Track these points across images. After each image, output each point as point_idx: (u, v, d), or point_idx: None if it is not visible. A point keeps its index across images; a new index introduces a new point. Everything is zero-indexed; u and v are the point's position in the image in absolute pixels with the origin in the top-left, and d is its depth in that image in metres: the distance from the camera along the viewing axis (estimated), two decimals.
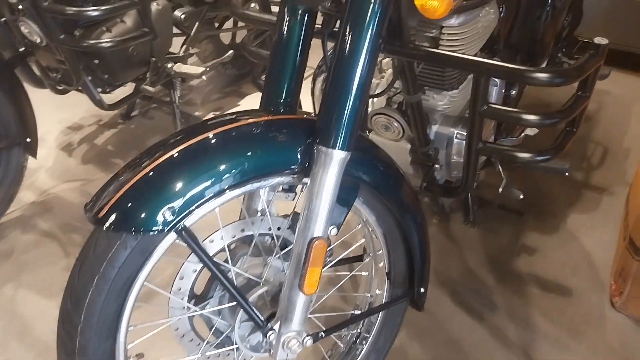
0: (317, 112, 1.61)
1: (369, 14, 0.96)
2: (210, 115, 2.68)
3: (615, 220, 2.02)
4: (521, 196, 1.60)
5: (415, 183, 1.64)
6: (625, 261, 1.65)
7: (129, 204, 0.92)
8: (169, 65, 2.20)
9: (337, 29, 1.05)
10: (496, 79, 1.62)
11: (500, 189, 1.61)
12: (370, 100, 1.55)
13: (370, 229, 1.25)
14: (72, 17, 1.74)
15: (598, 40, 1.18)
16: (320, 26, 1.17)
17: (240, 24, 2.85)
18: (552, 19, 1.73)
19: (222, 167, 0.96)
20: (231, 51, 2.50)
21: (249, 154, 0.99)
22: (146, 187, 0.94)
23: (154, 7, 2.13)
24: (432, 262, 1.28)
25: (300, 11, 1.11)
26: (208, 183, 0.94)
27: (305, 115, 1.13)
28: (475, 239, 1.97)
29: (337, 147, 0.99)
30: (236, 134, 1.02)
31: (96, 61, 1.97)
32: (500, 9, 1.54)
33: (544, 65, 1.90)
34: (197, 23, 2.36)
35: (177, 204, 0.92)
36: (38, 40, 1.88)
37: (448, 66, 1.25)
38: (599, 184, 2.24)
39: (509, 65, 1.11)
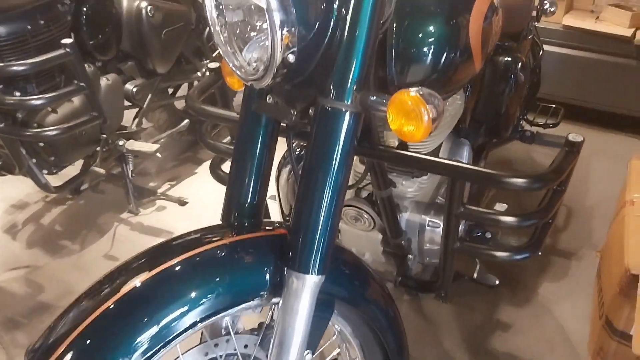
0: (282, 208, 1.53)
1: (342, 127, 0.90)
2: (166, 187, 2.57)
3: (585, 288, 2.00)
4: (497, 282, 1.54)
5: (388, 269, 1.57)
6: (603, 340, 1.61)
7: (83, 351, 0.82)
8: (121, 143, 2.09)
9: (305, 130, 0.99)
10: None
11: (475, 274, 1.55)
12: None
13: (345, 340, 1.16)
14: (13, 107, 1.61)
15: (572, 137, 1.15)
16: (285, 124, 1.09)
17: None
18: (515, 92, 1.71)
19: (187, 304, 0.88)
20: (187, 120, 2.42)
21: (216, 286, 0.91)
22: (101, 332, 0.84)
23: (103, 82, 2.03)
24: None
25: (265, 115, 1.04)
26: (173, 323, 0.86)
27: (273, 230, 1.05)
28: (449, 316, 1.90)
29: (310, 272, 0.91)
30: (200, 261, 0.94)
31: (41, 144, 1.85)
32: (466, 90, 1.51)
33: (508, 134, 1.88)
34: (149, 95, 2.26)
35: (139, 349, 0.83)
36: None
37: (422, 170, 1.19)
38: (566, 248, 2.22)
39: (485, 171, 1.06)
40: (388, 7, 0.94)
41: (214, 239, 0.98)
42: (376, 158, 1.15)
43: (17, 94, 1.75)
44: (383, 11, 0.91)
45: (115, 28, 2.07)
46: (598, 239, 2.25)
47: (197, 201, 2.46)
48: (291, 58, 0.87)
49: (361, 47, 0.88)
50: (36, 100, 1.59)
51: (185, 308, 0.87)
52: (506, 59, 1.67)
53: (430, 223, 1.45)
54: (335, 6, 0.89)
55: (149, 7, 2.09)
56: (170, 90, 2.69)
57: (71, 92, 1.65)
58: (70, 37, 1.94)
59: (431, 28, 1.08)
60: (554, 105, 2.25)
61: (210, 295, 0.89)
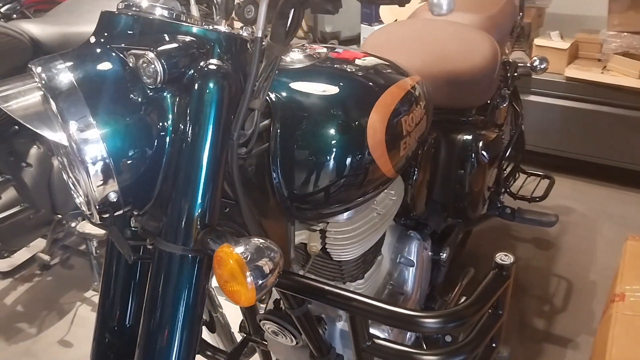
0: None
1: (181, 272, 0.75)
2: None
3: None
4: None
5: None
6: None
7: None
8: (73, 224, 1.99)
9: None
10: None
11: None
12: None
13: None
14: None
15: (501, 258, 0.96)
16: None
17: None
18: (477, 171, 1.53)
19: None
20: None
21: None
22: None
23: (56, 162, 1.94)
24: None
25: None
26: None
27: None
28: None
29: None
30: None
31: None
32: (413, 175, 1.34)
33: (478, 215, 1.68)
34: None
35: None
36: None
37: (313, 298, 1.00)
38: (562, 332, 1.97)
39: (388, 308, 0.88)
40: (250, 125, 0.80)
41: None
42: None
43: None
44: (231, 131, 0.76)
45: None
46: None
47: None
48: (113, 197, 0.73)
49: (202, 178, 0.74)
50: None
51: None
52: (465, 137, 1.49)
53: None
54: (169, 129, 0.75)
55: None
56: None
57: None
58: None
59: (319, 132, 0.91)
60: (541, 174, 2.03)
61: None
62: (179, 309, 0.75)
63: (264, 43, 0.78)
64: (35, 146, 1.87)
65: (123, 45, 0.76)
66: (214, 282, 1.30)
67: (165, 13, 0.78)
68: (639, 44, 2.66)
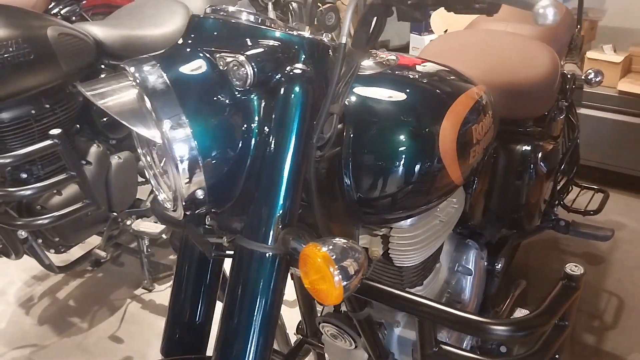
0: None
1: (263, 270, 0.77)
2: None
3: None
4: None
5: None
6: None
7: None
8: (129, 222, 2.04)
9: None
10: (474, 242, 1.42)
11: None
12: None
13: None
14: (2, 199, 1.60)
15: (571, 269, 0.95)
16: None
17: None
18: (535, 183, 1.52)
19: None
20: None
21: None
22: None
23: (114, 160, 2.01)
24: None
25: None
26: None
27: None
28: None
29: None
30: None
31: None
32: (472, 185, 1.34)
33: (533, 226, 1.66)
34: None
35: None
36: None
37: (381, 302, 1.02)
38: (613, 350, 1.93)
39: (457, 314, 0.89)
40: (329, 129, 0.81)
41: None
42: None
43: (24, 175, 1.75)
44: (312, 134, 0.78)
45: None
46: None
47: None
48: (200, 194, 0.76)
49: (285, 179, 0.76)
50: (24, 191, 1.56)
51: None
52: (524, 148, 1.48)
53: None
54: (255, 130, 0.77)
55: None
56: None
57: (61, 181, 1.62)
58: (82, 118, 1.95)
59: (392, 138, 0.93)
60: (595, 187, 2.00)
61: None
62: (259, 305, 0.77)
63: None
64: (95, 145, 1.93)
65: (211, 48, 0.79)
66: None
67: (251, 18, 0.81)
68: None
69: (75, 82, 1.88)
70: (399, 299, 0.94)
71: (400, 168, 0.93)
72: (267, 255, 0.77)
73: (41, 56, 1.68)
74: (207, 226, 0.94)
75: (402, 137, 0.92)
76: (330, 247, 0.68)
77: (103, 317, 2.19)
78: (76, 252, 2.16)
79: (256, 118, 0.77)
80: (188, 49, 0.79)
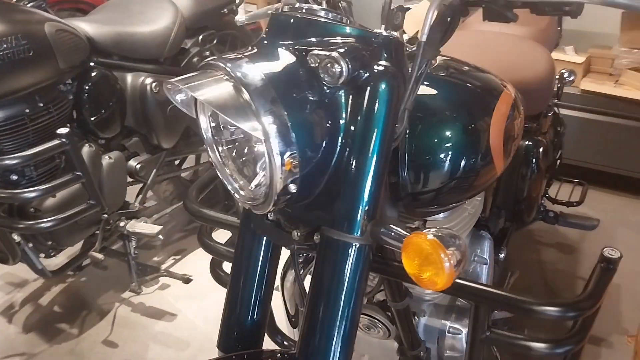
0: (289, 311, 1.42)
1: (350, 260, 0.80)
2: (171, 262, 2.46)
3: None
4: None
5: None
6: None
7: None
8: (122, 224, 2.00)
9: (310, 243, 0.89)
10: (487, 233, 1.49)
11: None
12: None
13: None
14: (4, 200, 1.53)
15: (608, 253, 1.03)
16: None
17: (203, 160, 2.70)
18: (536, 176, 1.61)
19: None
20: None
21: None
22: None
23: (105, 161, 1.96)
24: None
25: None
26: None
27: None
28: None
29: None
30: None
31: None
32: None
33: (531, 219, 1.76)
34: (154, 170, 2.18)
35: None
36: None
37: (444, 292, 1.07)
38: (595, 333, 2.06)
39: (512, 297, 0.94)
40: (401, 124, 0.85)
41: None
42: (391, 276, 1.04)
43: (14, 177, 1.68)
44: (395, 129, 0.82)
45: (119, 105, 2.01)
46: (628, 322, 2.10)
47: (203, 278, 2.34)
48: (292, 187, 0.78)
49: (371, 171, 0.79)
50: (30, 193, 1.51)
51: None
52: (527, 143, 1.57)
53: (451, 329, 1.32)
54: (342, 125, 0.80)
55: (153, 84, 2.04)
56: (177, 161, 2.61)
57: (68, 181, 1.57)
58: (71, 117, 1.89)
59: (447, 133, 0.98)
60: (576, 181, 2.13)
61: None
62: (346, 293, 0.79)
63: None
64: (87, 145, 1.88)
65: (295, 44, 0.81)
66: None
67: (330, 16, 0.83)
68: None
69: (68, 79, 1.83)
70: (455, 287, 0.98)
71: (456, 161, 0.97)
72: (355, 245, 0.79)
73: (40, 53, 1.62)
74: (268, 220, 0.95)
75: (457, 133, 0.97)
76: (438, 234, 0.71)
77: (93, 321, 2.14)
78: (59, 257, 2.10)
79: (344, 114, 0.80)
80: (274, 47, 0.80)
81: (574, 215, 2.02)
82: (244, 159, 0.86)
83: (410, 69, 0.83)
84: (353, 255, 0.80)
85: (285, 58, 0.80)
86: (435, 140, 0.97)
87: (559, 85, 1.84)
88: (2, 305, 2.21)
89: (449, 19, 0.82)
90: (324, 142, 0.79)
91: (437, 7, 0.80)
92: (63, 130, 1.52)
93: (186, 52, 2.26)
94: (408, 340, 1.26)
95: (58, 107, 1.78)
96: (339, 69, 0.76)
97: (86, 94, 1.89)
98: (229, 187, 0.88)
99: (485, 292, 0.96)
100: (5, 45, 1.51)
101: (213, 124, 0.87)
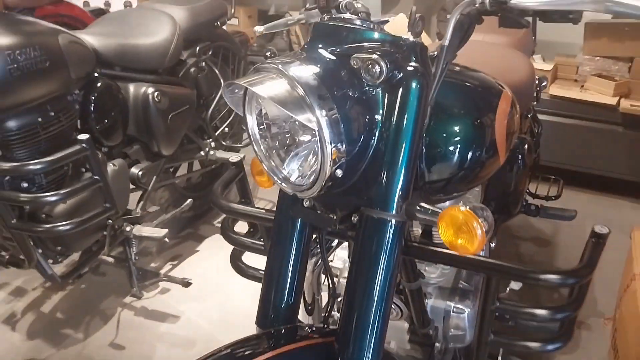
0: (306, 299, 1.53)
1: (388, 236, 0.91)
2: (169, 267, 2.53)
3: (598, 356, 2.00)
4: None
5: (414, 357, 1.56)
6: None
7: None
8: (128, 229, 2.07)
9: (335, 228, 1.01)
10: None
11: (499, 358, 1.55)
12: None
13: None
14: (25, 204, 1.59)
15: (598, 229, 1.18)
16: None
17: (195, 167, 2.78)
18: (522, 171, 1.76)
19: None
20: (190, 200, 2.41)
21: None
22: None
23: (110, 168, 2.02)
24: None
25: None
26: None
27: (314, 337, 1.04)
28: None
29: None
30: None
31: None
32: None
33: (517, 211, 1.91)
34: (154, 177, 2.26)
35: None
36: None
37: (459, 267, 1.20)
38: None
39: (519, 267, 1.08)
40: (425, 117, 0.97)
41: (257, 353, 0.96)
42: (410, 255, 1.16)
43: (25, 184, 1.74)
44: (424, 121, 0.94)
45: (122, 114, 2.09)
46: (604, 307, 2.27)
47: (202, 281, 2.42)
48: (339, 173, 0.89)
49: (405, 158, 0.91)
50: (51, 197, 1.57)
51: None
52: (514, 141, 1.72)
53: (455, 309, 1.45)
54: (379, 119, 0.92)
55: (155, 93, 2.12)
56: (171, 169, 2.69)
57: (86, 185, 1.64)
58: (77, 126, 1.96)
59: (459, 128, 1.11)
60: (553, 177, 2.31)
61: None
62: (385, 266, 0.91)
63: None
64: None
65: (336, 48, 0.93)
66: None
67: (365, 24, 0.95)
68: (610, 67, 3.03)
69: (76, 90, 1.90)
70: (468, 261, 1.11)
71: (466, 153, 1.10)
72: (393, 222, 0.91)
73: (54, 63, 1.70)
74: (304, 205, 1.06)
75: (467, 127, 1.10)
76: (471, 206, 0.84)
77: (97, 326, 2.19)
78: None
79: (381, 110, 0.92)
80: (319, 50, 0.92)
81: (554, 207, 2.19)
82: (285, 148, 0.97)
83: (433, 69, 0.95)
84: (390, 231, 0.91)
85: (329, 60, 0.91)
86: (448, 134, 1.10)
87: (537, 89, 2.00)
88: (3, 315, 2.24)
89: (466, 27, 0.96)
90: (364, 133, 0.91)
91: (457, 16, 0.93)
92: (84, 136, 1.60)
93: (183, 63, 2.36)
94: (419, 319, 1.38)
95: (67, 116, 1.85)
96: (379, 69, 0.88)
97: (92, 104, 1.96)
98: (275, 178, 0.99)
99: (497, 265, 1.09)
100: (24, 57, 1.58)
101: (258, 120, 0.98)
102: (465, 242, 0.84)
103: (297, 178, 0.96)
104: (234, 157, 1.42)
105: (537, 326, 1.34)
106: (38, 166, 1.54)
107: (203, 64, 2.42)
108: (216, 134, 2.57)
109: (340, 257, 1.48)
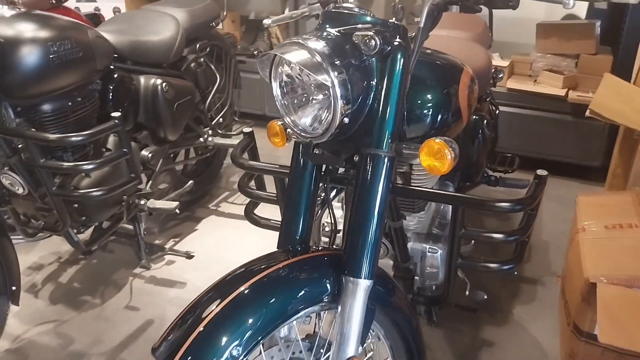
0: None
1: (383, 168, 1.22)
2: (172, 243, 2.79)
3: (551, 308, 2.35)
4: (485, 297, 1.86)
5: None
6: (572, 344, 1.94)
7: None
8: (142, 202, 2.33)
9: (340, 174, 1.33)
10: None
11: (467, 292, 1.87)
12: None
13: (379, 341, 1.44)
14: (67, 171, 1.86)
15: (540, 172, 1.51)
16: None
17: (191, 155, 3.06)
18: (482, 144, 2.10)
19: (271, 311, 1.12)
20: (191, 181, 2.69)
21: (288, 296, 1.16)
22: (202, 342, 1.06)
23: None
24: None
25: (310, 164, 1.35)
26: (260, 328, 1.10)
27: (324, 250, 1.34)
28: (442, 339, 2.19)
29: (362, 277, 1.19)
30: (269, 282, 1.16)
31: (75, 205, 2.08)
32: None
33: (478, 179, 2.26)
34: (161, 160, 2.53)
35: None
36: (20, 191, 1.97)
37: (431, 200, 1.52)
38: (531, 276, 2.58)
39: (480, 198, 1.40)
40: (407, 81, 1.30)
41: (277, 261, 1.24)
42: (396, 193, 1.48)
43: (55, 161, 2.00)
44: (407, 85, 1.26)
45: (134, 102, 2.37)
46: (556, 267, 2.63)
47: (202, 254, 2.70)
48: (346, 120, 1.20)
49: (393, 109, 1.22)
50: (89, 165, 1.84)
51: (271, 315, 1.11)
52: (474, 117, 2.06)
53: (430, 250, 1.77)
54: (374, 82, 1.23)
55: (163, 84, 2.40)
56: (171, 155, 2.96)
57: (117, 157, 1.91)
58: (96, 112, 2.23)
59: (431, 96, 1.44)
60: (510, 155, 2.67)
61: (287, 304, 1.14)
62: (381, 193, 1.21)
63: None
64: (112, 134, 2.22)
65: (341, 28, 1.24)
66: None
67: (362, 11, 1.27)
68: (560, 63, 3.44)
69: (97, 79, 2.17)
70: (441, 195, 1.43)
71: (437, 115, 1.43)
72: (386, 157, 1.22)
73: (85, 55, 1.97)
74: (314, 151, 1.36)
75: (438, 95, 1.44)
76: (443, 140, 1.16)
77: (112, 293, 2.44)
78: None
79: (374, 74, 1.23)
80: (328, 30, 1.23)
81: (510, 178, 2.55)
82: (299, 105, 1.27)
83: (412, 46, 1.28)
84: (384, 164, 1.22)
85: (336, 37, 1.22)
86: (423, 101, 1.43)
87: (494, 76, 2.36)
88: (25, 285, 2.47)
89: (436, 13, 1.29)
90: (363, 92, 1.22)
91: (429, 5, 1.26)
92: (117, 114, 1.87)
93: (184, 58, 2.65)
94: (402, 255, 1.70)
95: (91, 103, 2.12)
96: (374, 43, 1.19)
97: (109, 93, 2.23)
98: (294, 130, 1.29)
99: (462, 197, 1.41)
100: (62, 48, 1.85)
101: (280, 84, 1.28)
102: (440, 164, 1.16)
103: (310, 127, 1.26)
104: (246, 128, 1.72)
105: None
106: (80, 137, 1.81)
107: (202, 59, 2.71)
108: (212, 123, 2.85)
109: (336, 207, 1.78)
